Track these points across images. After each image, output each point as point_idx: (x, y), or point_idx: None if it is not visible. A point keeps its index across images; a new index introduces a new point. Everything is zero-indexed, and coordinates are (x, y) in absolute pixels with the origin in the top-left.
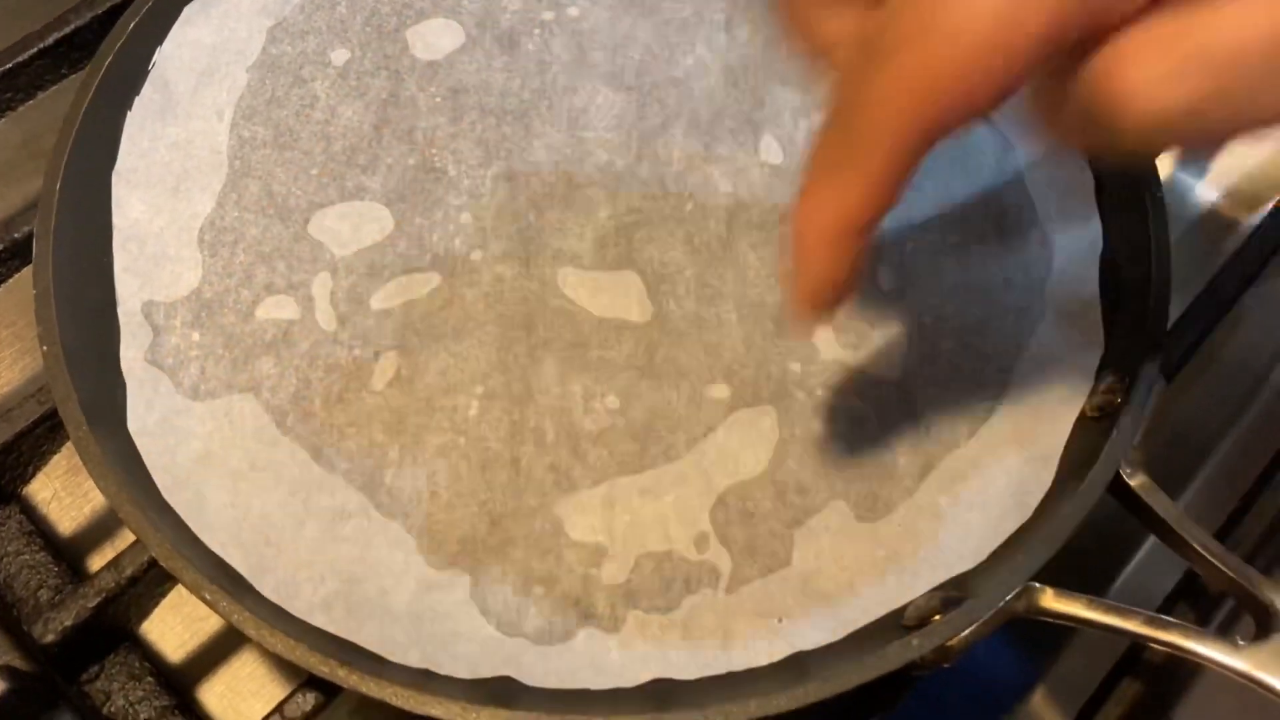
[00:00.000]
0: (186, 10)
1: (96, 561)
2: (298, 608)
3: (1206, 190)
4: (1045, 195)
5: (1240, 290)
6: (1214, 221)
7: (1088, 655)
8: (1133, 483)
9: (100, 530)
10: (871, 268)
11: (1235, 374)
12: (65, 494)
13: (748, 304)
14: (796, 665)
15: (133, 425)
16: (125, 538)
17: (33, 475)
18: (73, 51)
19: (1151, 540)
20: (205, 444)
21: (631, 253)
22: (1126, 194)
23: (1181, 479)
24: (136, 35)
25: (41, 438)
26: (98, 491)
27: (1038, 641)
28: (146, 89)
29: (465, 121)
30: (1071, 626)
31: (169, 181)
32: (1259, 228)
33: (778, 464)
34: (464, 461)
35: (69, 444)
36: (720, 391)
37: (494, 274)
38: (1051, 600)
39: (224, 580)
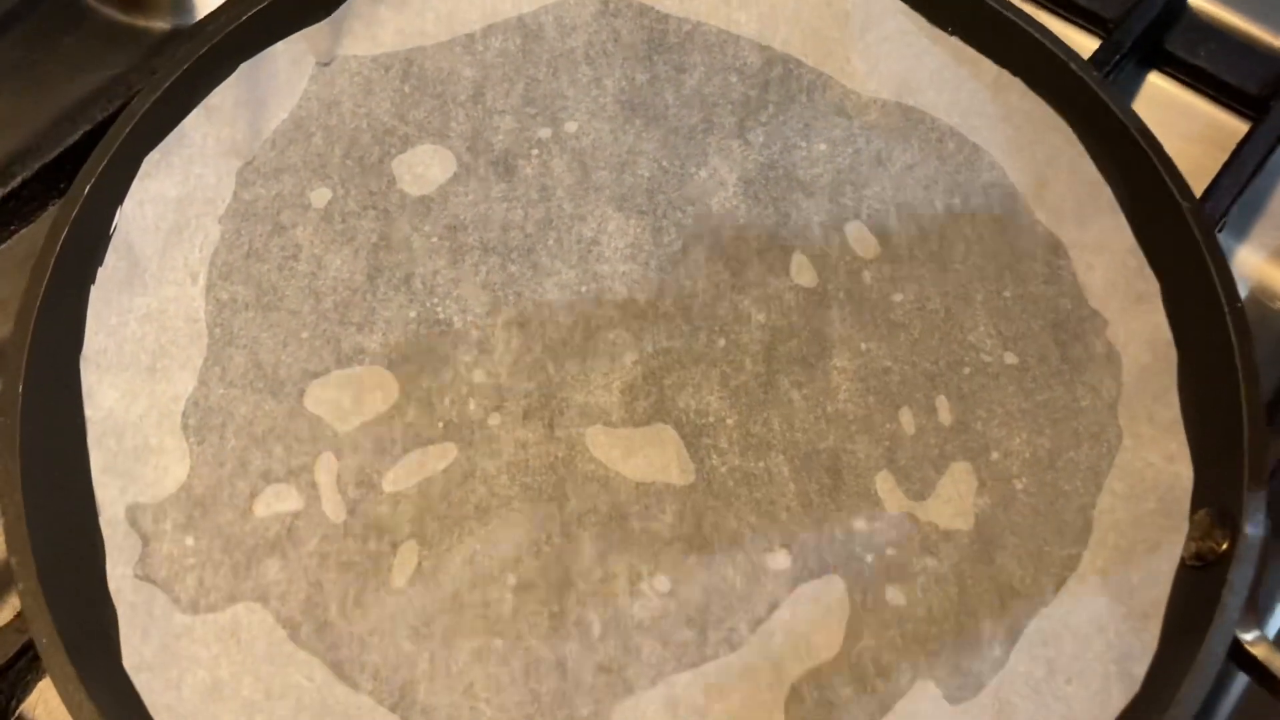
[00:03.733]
0: (146, 162)
1: None
2: None
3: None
4: (1105, 301)
5: None
6: None
7: None
8: (1256, 652)
9: None
10: (929, 397)
11: None
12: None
13: (799, 453)
14: None
15: (128, 660)
16: None
17: (15, 709)
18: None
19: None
20: (212, 672)
21: (664, 403)
22: (1198, 298)
23: None
24: (94, 197)
25: (24, 669)
26: None
27: None
28: (110, 257)
29: (467, 263)
30: None
31: (143, 360)
32: None
33: (852, 642)
34: (503, 668)
35: None
36: (780, 561)
37: (515, 440)
38: None
39: None
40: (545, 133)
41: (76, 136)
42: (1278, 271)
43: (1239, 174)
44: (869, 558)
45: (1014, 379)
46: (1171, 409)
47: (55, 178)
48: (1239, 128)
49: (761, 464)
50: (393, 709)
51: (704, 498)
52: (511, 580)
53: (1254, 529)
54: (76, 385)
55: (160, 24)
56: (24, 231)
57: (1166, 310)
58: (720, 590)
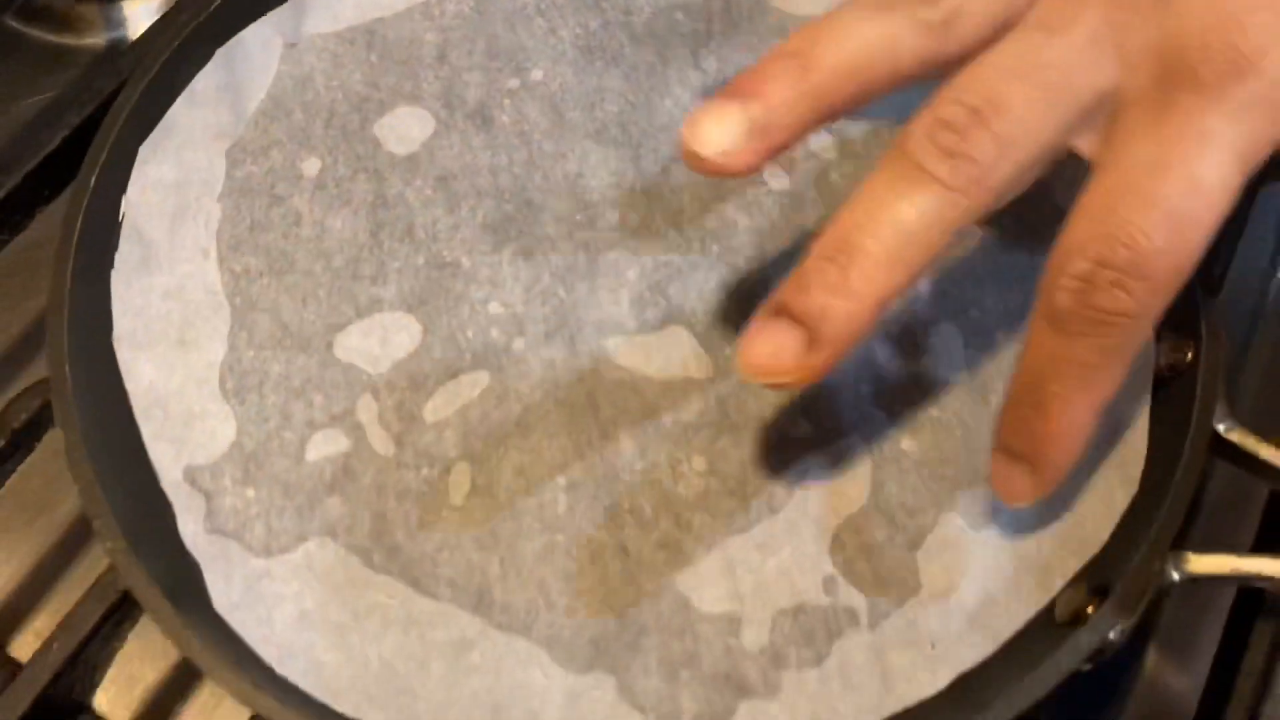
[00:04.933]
0: (142, 150)
1: None
2: None
3: None
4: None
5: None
6: None
7: (1193, 609)
8: (1231, 438)
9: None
10: None
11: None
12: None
13: None
14: (965, 688)
15: (219, 603)
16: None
17: (100, 681)
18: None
19: (1221, 482)
20: (298, 604)
21: (672, 309)
22: None
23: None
24: (99, 189)
25: (107, 636)
26: (143, 674)
27: None
28: (123, 244)
29: (464, 209)
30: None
31: (172, 335)
32: None
33: (879, 490)
34: (569, 560)
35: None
36: (803, 430)
37: (542, 360)
38: (1198, 563)
39: None
40: (514, 83)
41: (32, 164)
42: None
43: None
44: (880, 415)
45: (979, 247)
46: None
47: (12, 206)
48: None
49: None
50: (474, 611)
51: (724, 386)
52: (562, 482)
53: (1212, 335)
54: (114, 365)
55: (94, 41)
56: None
57: None
58: (754, 463)
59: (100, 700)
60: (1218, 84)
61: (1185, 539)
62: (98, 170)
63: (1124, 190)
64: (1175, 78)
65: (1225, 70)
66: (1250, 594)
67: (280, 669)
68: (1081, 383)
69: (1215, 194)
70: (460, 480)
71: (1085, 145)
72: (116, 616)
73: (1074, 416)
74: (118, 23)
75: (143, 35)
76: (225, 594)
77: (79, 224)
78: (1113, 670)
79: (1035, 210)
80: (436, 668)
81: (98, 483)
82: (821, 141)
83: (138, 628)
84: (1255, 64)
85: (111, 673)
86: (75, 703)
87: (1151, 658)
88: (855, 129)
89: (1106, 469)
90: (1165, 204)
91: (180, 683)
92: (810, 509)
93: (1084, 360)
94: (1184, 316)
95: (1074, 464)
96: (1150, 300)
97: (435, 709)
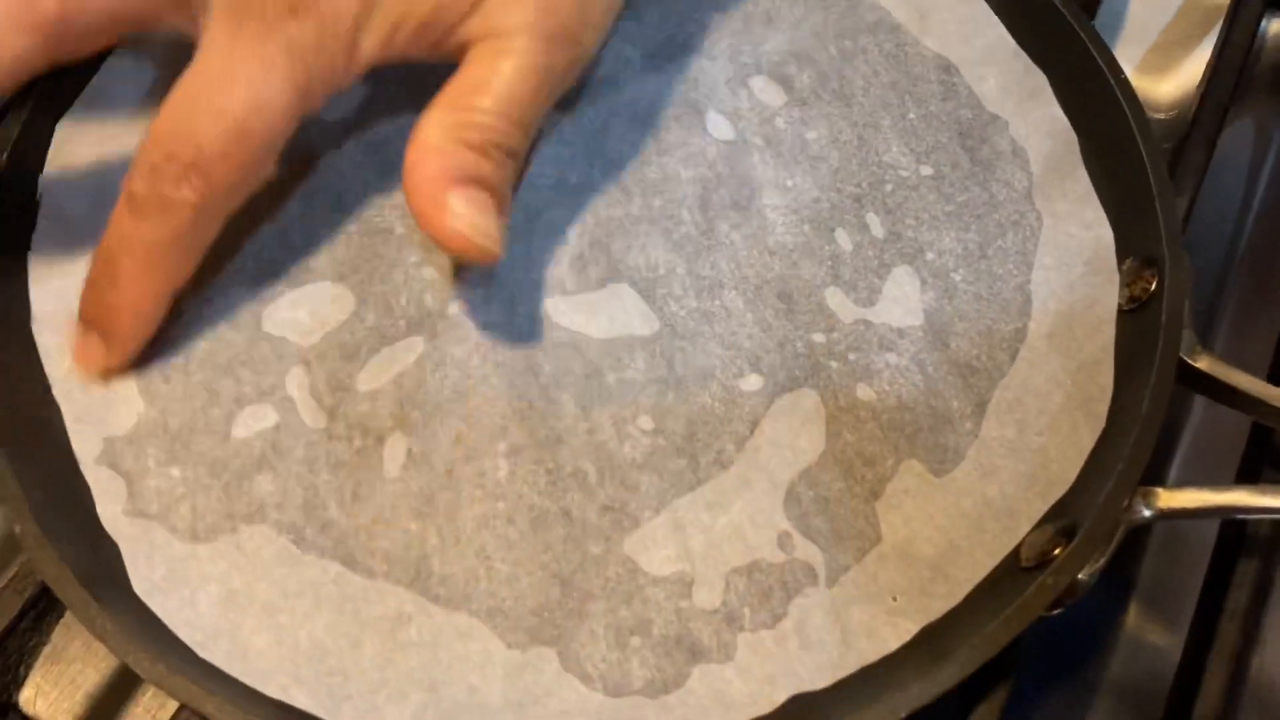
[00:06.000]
0: (60, 128)
1: None
2: None
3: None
4: (1002, 104)
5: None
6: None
7: (1172, 552)
8: (1200, 365)
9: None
10: (859, 217)
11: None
12: (49, 686)
13: (749, 285)
14: (929, 639)
15: (138, 587)
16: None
17: (25, 677)
18: None
19: (1197, 416)
20: (224, 585)
21: (614, 265)
22: (1085, 80)
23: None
24: (12, 166)
25: (27, 631)
26: (85, 677)
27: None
28: (41, 223)
29: (396, 173)
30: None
31: None
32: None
33: (834, 440)
34: (511, 527)
35: (56, 631)
36: (753, 383)
37: (479, 323)
38: (1169, 499)
39: None
40: None
41: None
42: (1147, 83)
43: None
44: (833, 364)
45: (933, 187)
46: (1081, 183)
47: None
48: None
49: (717, 302)
50: (410, 585)
51: (670, 340)
52: (502, 447)
53: (1177, 261)
54: (33, 347)
55: None
56: None
57: (1059, 100)
58: (702, 419)
59: (40, 705)
60: (277, 19)
61: (1163, 479)
62: (9, 148)
63: (199, 95)
64: (248, 6)
65: (283, 8)
66: (1233, 537)
67: (203, 653)
68: (149, 261)
69: (273, 114)
70: (395, 451)
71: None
72: (38, 609)
73: (143, 292)
74: None
75: None
76: (146, 578)
77: None
78: (1092, 626)
79: (990, 147)
80: (370, 645)
81: (9, 466)
82: (766, 88)
83: (75, 630)
84: (310, 7)
85: (51, 676)
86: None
87: (1132, 613)
88: (802, 77)
89: (1071, 407)
90: (229, 117)
91: (123, 685)
92: (762, 463)
93: (152, 240)
94: (1146, 244)
95: (143, 339)
96: (210, 196)
97: (368, 688)
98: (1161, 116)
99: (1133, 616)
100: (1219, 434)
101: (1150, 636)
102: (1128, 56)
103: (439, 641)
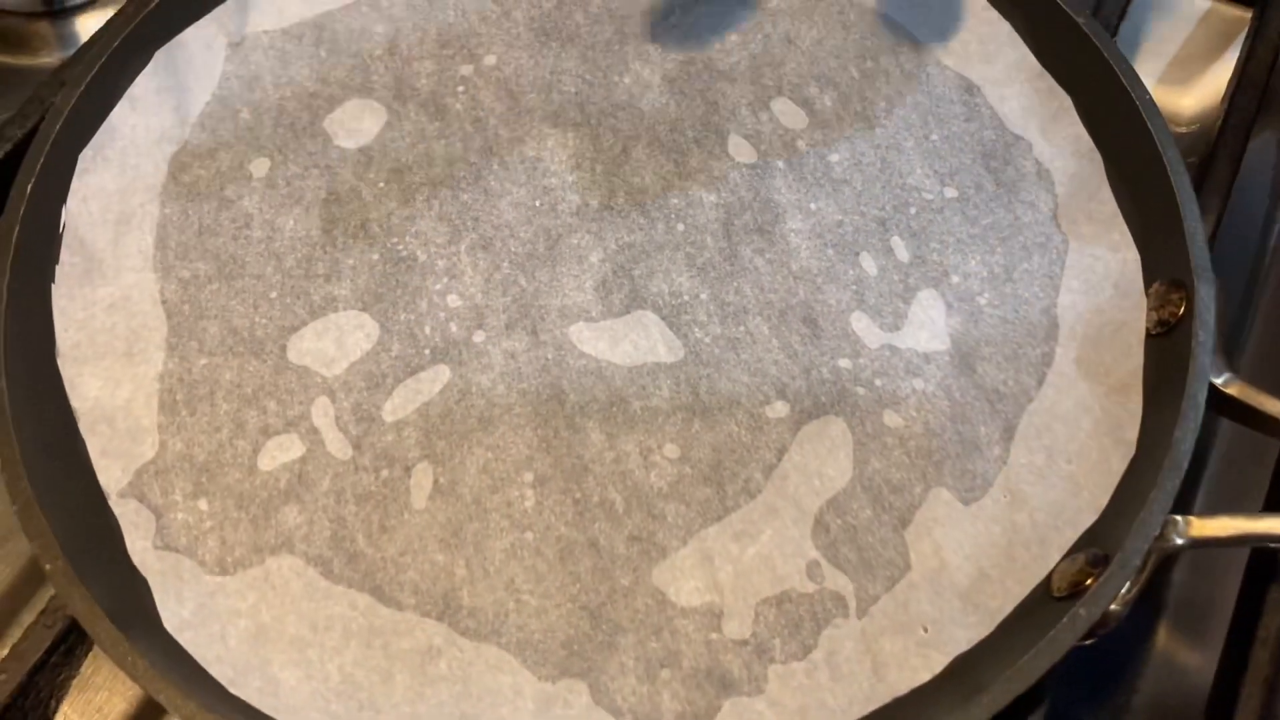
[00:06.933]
0: (81, 159)
1: None
2: None
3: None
4: (1025, 125)
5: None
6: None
7: (1203, 574)
8: (1231, 391)
9: None
10: (883, 240)
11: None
12: (76, 716)
13: (774, 311)
14: (961, 671)
15: (169, 623)
16: None
17: (55, 710)
18: None
19: (1224, 440)
20: (254, 619)
21: (637, 291)
22: (1109, 100)
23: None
24: (36, 198)
25: (57, 664)
26: (113, 705)
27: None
28: (64, 254)
29: (419, 200)
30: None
31: (118, 348)
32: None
33: (862, 467)
34: (539, 559)
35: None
36: (779, 410)
37: (504, 351)
38: (1202, 527)
39: None
40: (467, 69)
41: None
42: (1169, 97)
43: None
44: (860, 390)
45: (957, 210)
46: (1107, 205)
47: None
48: None
49: (742, 328)
50: (439, 618)
51: (695, 368)
52: (529, 477)
53: (1206, 285)
54: (58, 380)
55: (48, 60)
56: None
57: (1083, 120)
58: (728, 447)
59: None
60: None
61: (1190, 505)
62: (34, 178)
63: None
64: None
65: None
66: (1264, 562)
67: (234, 689)
68: None
69: None
70: (422, 481)
71: None
72: (68, 644)
73: None
74: (71, 43)
75: (85, 43)
76: (176, 613)
77: (15, 235)
78: (1123, 648)
79: (1014, 168)
80: (401, 679)
81: (36, 501)
82: (788, 110)
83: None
84: None
85: (79, 704)
86: None
87: (1162, 635)
88: (823, 99)
89: (1100, 433)
90: None
91: (151, 712)
92: (789, 492)
93: None
94: (1174, 267)
95: None
96: None
97: None
98: (1183, 130)
99: (1163, 639)
100: (1246, 457)
101: (1181, 660)
102: (1148, 70)
103: (469, 675)
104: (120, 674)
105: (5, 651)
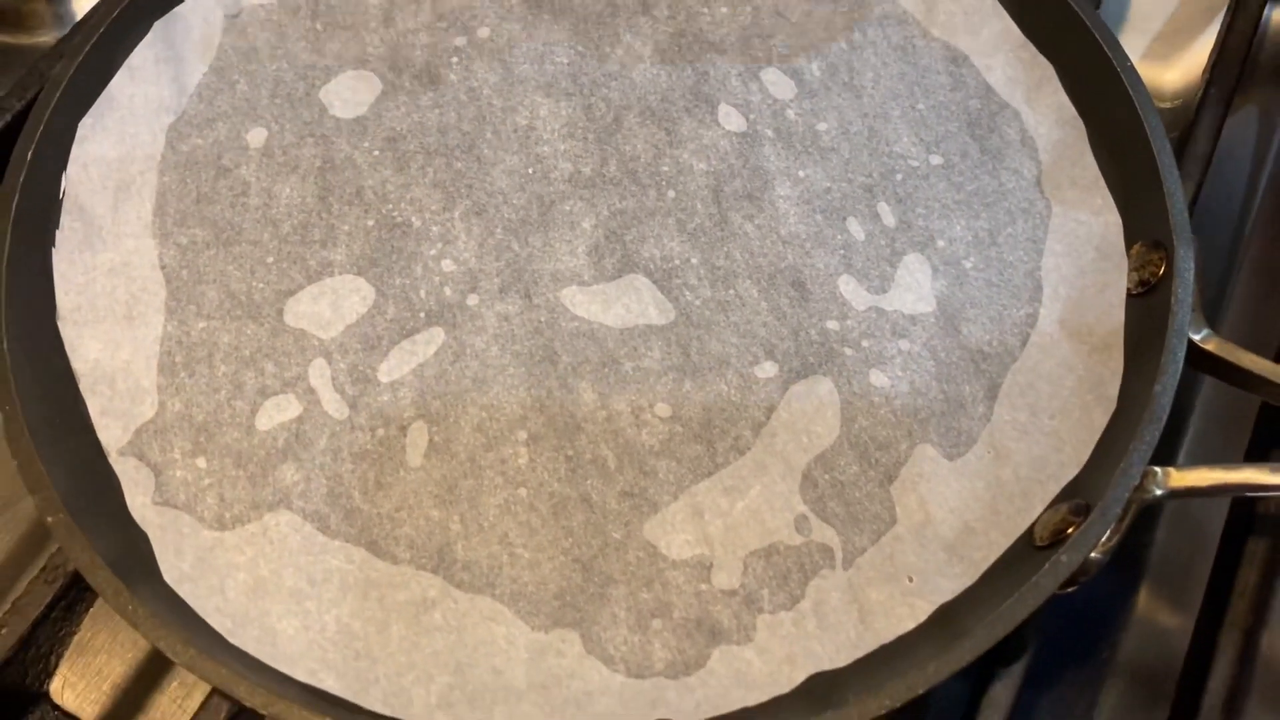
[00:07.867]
0: (81, 127)
1: None
2: (415, 714)
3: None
4: (1011, 94)
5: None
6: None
7: (1182, 533)
8: (1209, 347)
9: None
10: (870, 206)
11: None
12: (76, 678)
13: (763, 275)
14: (946, 619)
15: (169, 575)
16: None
17: (55, 666)
18: None
19: (1206, 397)
20: (251, 573)
21: (629, 256)
22: (1092, 69)
23: (1245, 322)
24: (36, 165)
25: (58, 620)
26: (112, 669)
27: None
28: (64, 220)
29: (413, 168)
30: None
31: (118, 311)
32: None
33: (849, 425)
34: (532, 514)
35: (84, 622)
36: (768, 370)
37: (497, 314)
38: (1180, 478)
39: (333, 710)
40: (460, 40)
41: None
42: (1152, 72)
43: None
44: (847, 351)
45: (943, 176)
46: (1090, 171)
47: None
48: None
49: (732, 291)
50: (434, 571)
51: (686, 329)
52: (522, 435)
53: (1185, 245)
54: (59, 342)
55: (45, 38)
56: None
57: (1066, 89)
58: (718, 406)
59: (67, 697)
60: None
61: (1172, 459)
62: (34, 145)
63: None
64: None
65: None
66: (1242, 516)
67: (233, 639)
68: None
69: None
70: (418, 439)
71: None
72: (68, 599)
73: None
74: (68, 19)
75: (85, 15)
76: (175, 566)
77: (15, 201)
78: (1105, 611)
79: (999, 136)
80: (397, 630)
81: (38, 457)
82: (777, 80)
83: (101, 621)
84: None
85: (78, 668)
86: (31, 693)
87: (1143, 593)
88: (812, 69)
89: (1083, 390)
90: None
91: (150, 676)
92: (778, 449)
93: None
94: (1154, 228)
95: None
96: None
97: (395, 671)
98: (1167, 105)
99: (1144, 597)
100: (1227, 414)
101: (1161, 617)
102: (1133, 46)
103: (464, 625)
104: (119, 637)
105: (7, 606)
